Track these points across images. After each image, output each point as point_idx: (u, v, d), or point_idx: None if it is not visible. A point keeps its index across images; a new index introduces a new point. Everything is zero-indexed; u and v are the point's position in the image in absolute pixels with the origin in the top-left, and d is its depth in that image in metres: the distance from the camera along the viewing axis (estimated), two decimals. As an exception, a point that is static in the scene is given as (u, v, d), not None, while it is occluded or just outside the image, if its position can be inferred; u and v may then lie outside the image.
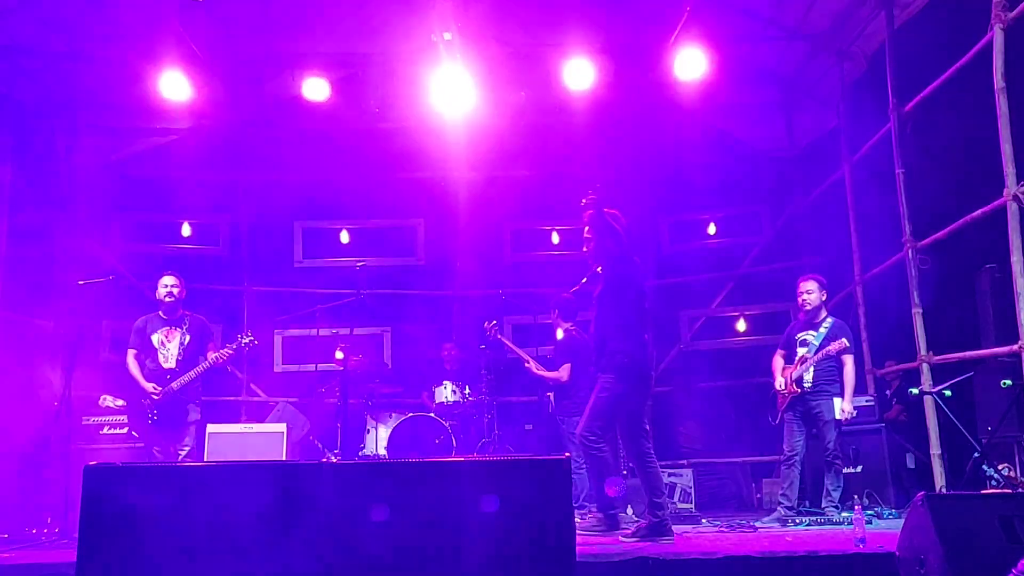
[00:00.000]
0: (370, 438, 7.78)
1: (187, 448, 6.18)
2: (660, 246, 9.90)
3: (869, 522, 5.23)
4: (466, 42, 7.48)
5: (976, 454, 5.24)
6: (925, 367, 6.29)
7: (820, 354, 6.07)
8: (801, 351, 6.23)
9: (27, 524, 5.88)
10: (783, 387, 6.20)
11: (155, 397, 6.04)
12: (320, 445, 7.95)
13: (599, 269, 5.10)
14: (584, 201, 4.94)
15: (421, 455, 7.34)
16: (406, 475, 3.06)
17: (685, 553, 4.00)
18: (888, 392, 7.59)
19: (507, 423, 8.17)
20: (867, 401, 6.90)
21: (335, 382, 7.53)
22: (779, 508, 6.04)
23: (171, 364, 6.19)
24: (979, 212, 5.57)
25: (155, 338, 6.25)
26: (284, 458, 6.78)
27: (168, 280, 6.34)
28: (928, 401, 6.07)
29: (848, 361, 6.08)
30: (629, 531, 4.88)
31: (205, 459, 6.49)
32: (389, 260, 9.82)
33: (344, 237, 9.82)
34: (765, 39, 7.95)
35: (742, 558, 3.76)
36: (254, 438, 6.99)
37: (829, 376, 6.08)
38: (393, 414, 7.89)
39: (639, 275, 5.09)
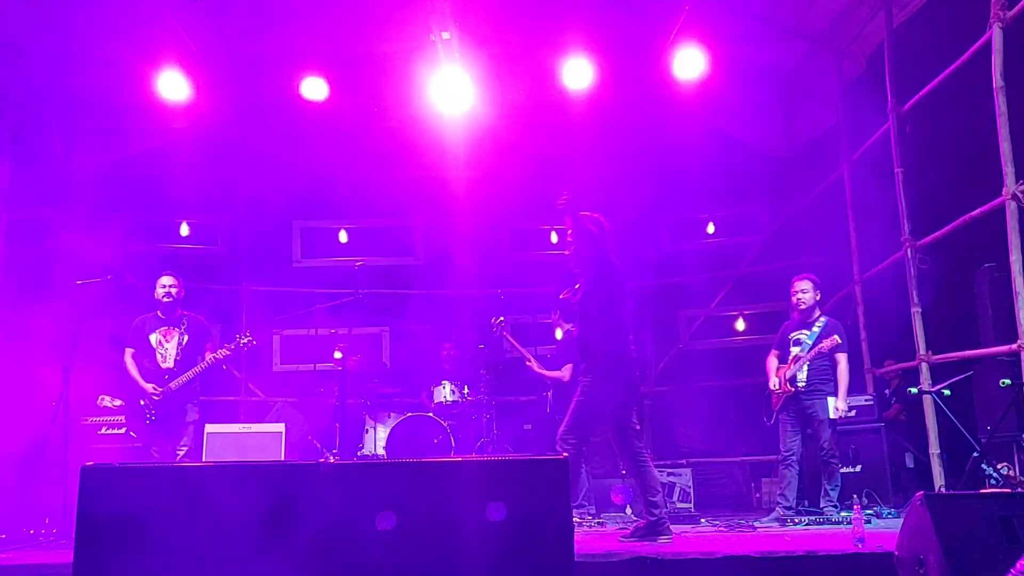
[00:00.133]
0: (369, 438, 7.78)
1: (185, 448, 6.18)
2: (659, 245, 9.89)
3: (868, 522, 5.23)
4: (465, 41, 7.47)
5: (975, 453, 5.24)
6: (924, 366, 6.29)
7: (813, 351, 6.07)
8: (795, 350, 6.22)
9: (25, 524, 5.86)
10: (777, 387, 6.20)
11: (154, 397, 6.04)
12: (319, 445, 7.94)
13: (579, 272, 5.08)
14: (558, 205, 4.93)
15: (420, 455, 7.34)
16: (405, 475, 3.06)
17: (684, 553, 3.99)
18: (887, 391, 7.58)
19: (506, 423, 8.16)
20: (866, 400, 6.89)
21: (334, 382, 7.52)
22: (778, 508, 6.04)
23: (169, 364, 6.19)
24: (978, 211, 5.56)
25: (153, 338, 6.25)
26: (283, 458, 6.77)
27: (166, 280, 6.33)
28: (927, 400, 6.07)
29: (842, 359, 6.08)
30: (628, 531, 4.88)
31: (203, 459, 6.48)
32: (388, 259, 9.82)
33: (343, 236, 9.82)
34: (764, 38, 7.95)
35: (741, 558, 3.76)
36: (253, 438, 6.97)
37: (823, 375, 6.07)
38: (392, 414, 7.89)
39: (619, 277, 5.04)
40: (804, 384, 6.07)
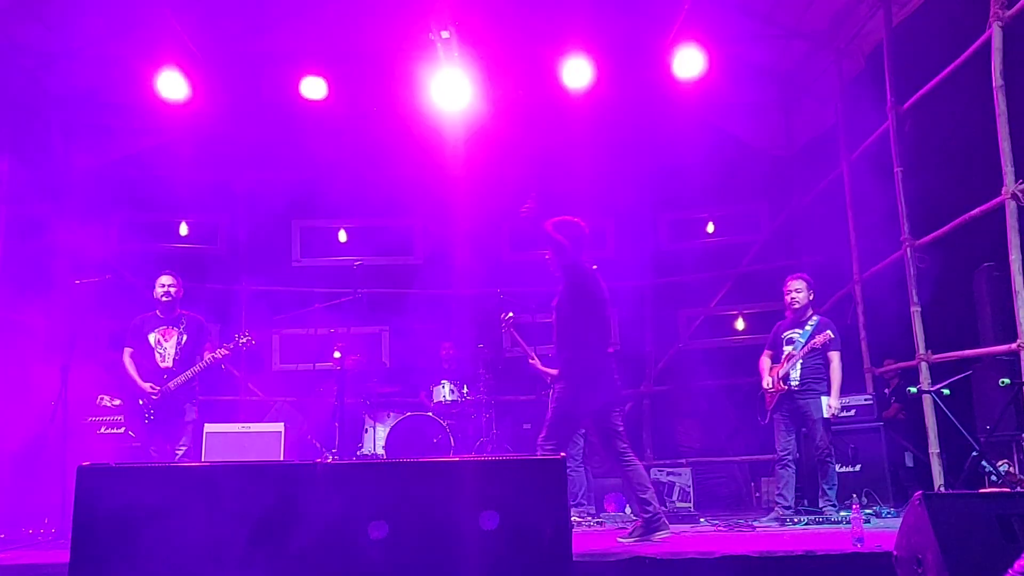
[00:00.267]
0: (368, 437, 7.78)
1: (184, 448, 6.17)
2: (658, 244, 9.89)
3: (867, 521, 5.22)
4: (464, 40, 7.47)
5: (974, 453, 5.23)
6: (923, 366, 6.28)
7: (806, 348, 6.06)
8: (787, 349, 6.21)
9: (24, 524, 5.86)
10: (770, 386, 6.19)
11: (153, 397, 6.03)
12: (318, 444, 7.93)
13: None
14: (522, 213, 4.93)
15: (419, 454, 7.34)
16: (404, 475, 3.05)
17: (682, 553, 3.99)
18: (887, 391, 7.58)
19: (505, 422, 8.16)
20: (865, 400, 6.89)
21: (333, 381, 7.51)
22: (776, 508, 6.03)
23: (168, 363, 6.18)
24: (978, 210, 5.56)
25: (152, 337, 6.24)
26: (282, 458, 6.77)
27: (165, 279, 6.32)
28: (926, 400, 6.07)
29: (834, 358, 6.06)
30: (626, 531, 4.88)
31: (203, 459, 6.48)
32: (387, 259, 9.81)
33: (342, 236, 9.82)
34: (763, 37, 7.95)
35: (740, 558, 3.75)
36: (252, 437, 6.97)
37: (816, 374, 6.05)
38: (391, 413, 7.88)
39: (595, 283, 5.01)
40: (797, 383, 6.05)
